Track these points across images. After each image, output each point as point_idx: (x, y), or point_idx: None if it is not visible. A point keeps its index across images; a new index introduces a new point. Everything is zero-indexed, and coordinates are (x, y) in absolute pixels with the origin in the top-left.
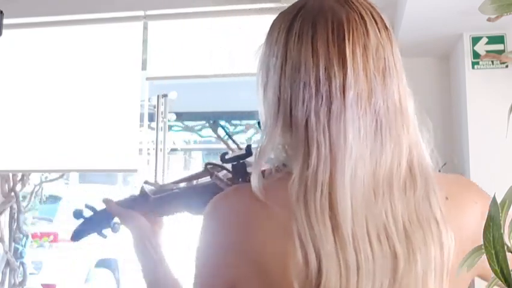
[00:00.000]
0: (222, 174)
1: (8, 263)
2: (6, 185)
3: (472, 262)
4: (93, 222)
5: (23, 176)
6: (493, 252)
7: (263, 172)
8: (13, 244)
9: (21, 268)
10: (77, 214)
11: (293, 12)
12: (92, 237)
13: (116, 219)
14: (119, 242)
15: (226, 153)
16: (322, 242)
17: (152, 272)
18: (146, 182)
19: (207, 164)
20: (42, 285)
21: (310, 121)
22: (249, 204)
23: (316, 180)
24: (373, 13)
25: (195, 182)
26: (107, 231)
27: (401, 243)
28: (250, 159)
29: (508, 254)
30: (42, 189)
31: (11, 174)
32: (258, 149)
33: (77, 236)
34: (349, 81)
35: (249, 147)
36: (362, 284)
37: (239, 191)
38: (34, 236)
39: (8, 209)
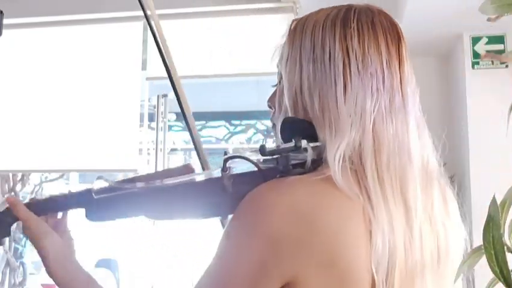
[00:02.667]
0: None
1: (8, 263)
2: (6, 185)
3: (472, 262)
4: None
5: (23, 176)
6: (492, 252)
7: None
8: (13, 244)
9: (21, 268)
10: None
11: (342, 10)
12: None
13: (18, 228)
14: (119, 242)
15: (264, 145)
16: (397, 224)
17: None
18: (100, 178)
19: (228, 158)
20: (42, 285)
21: (379, 112)
22: (318, 195)
23: (389, 165)
24: None
25: (158, 182)
26: None
27: (440, 231)
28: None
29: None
30: (42, 189)
31: (11, 174)
32: (334, 141)
33: None
34: (406, 77)
35: (297, 140)
36: (424, 271)
37: (300, 181)
38: None
39: None
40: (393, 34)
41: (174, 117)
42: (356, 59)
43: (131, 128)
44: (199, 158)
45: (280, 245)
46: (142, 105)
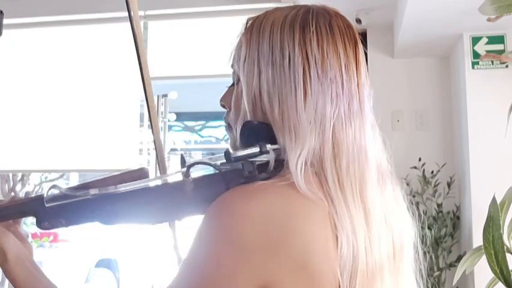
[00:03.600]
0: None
1: None
2: (6, 185)
3: (471, 263)
4: None
5: (23, 176)
6: (492, 252)
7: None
8: None
9: None
10: None
11: (300, 11)
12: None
13: None
14: (119, 242)
15: (229, 151)
16: (358, 228)
17: None
18: (54, 187)
19: (191, 165)
20: None
21: (338, 118)
22: (287, 201)
23: (348, 170)
24: None
25: (112, 188)
26: None
27: (394, 229)
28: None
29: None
30: (42, 189)
31: (11, 174)
32: (294, 148)
33: None
34: (362, 80)
35: (263, 146)
36: (383, 277)
37: (269, 187)
38: (34, 236)
39: None
40: (350, 37)
41: (174, 117)
42: (316, 64)
43: (131, 128)
44: (157, 160)
45: (253, 253)
46: (142, 105)
